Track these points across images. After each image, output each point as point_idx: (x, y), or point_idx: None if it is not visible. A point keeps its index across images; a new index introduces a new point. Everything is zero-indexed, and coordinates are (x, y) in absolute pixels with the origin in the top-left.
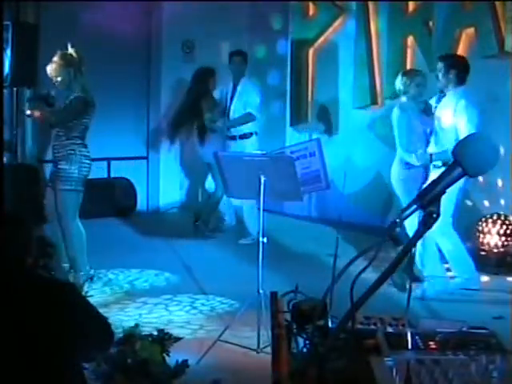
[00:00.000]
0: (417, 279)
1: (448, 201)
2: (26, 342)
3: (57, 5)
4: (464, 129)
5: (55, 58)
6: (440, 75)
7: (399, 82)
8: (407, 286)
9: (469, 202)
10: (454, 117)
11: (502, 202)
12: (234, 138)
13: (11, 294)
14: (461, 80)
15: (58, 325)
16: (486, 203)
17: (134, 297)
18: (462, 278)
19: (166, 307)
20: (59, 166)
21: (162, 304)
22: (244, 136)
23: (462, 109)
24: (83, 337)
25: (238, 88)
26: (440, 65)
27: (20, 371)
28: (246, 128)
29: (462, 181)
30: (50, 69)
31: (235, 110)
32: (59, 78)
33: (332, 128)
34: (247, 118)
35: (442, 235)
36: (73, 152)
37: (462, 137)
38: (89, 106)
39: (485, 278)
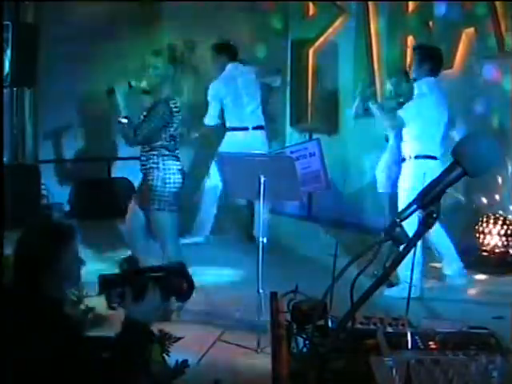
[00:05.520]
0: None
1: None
2: None
3: (57, 5)
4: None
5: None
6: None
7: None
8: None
9: (469, 202)
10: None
11: (503, 201)
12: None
13: None
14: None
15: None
16: (486, 203)
17: None
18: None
19: None
20: (145, 182)
21: None
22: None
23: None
24: None
25: None
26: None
27: None
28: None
29: None
30: (153, 58)
31: None
32: (157, 72)
33: (332, 128)
34: None
35: None
36: (155, 165)
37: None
38: (173, 113)
39: (485, 278)
